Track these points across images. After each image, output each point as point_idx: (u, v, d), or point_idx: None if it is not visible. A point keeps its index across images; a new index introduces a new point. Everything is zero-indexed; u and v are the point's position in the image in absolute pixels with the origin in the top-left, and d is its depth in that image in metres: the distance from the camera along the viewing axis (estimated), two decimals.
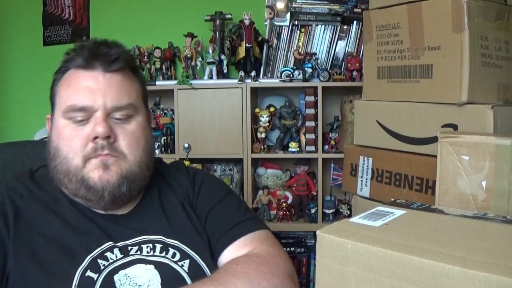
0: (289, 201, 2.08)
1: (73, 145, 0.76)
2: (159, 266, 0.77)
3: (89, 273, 0.73)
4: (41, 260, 0.73)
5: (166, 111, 2.15)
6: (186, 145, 1.91)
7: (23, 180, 0.83)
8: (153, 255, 0.78)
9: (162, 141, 2.06)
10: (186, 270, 0.78)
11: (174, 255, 0.80)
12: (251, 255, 0.79)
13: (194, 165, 2.04)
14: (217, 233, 0.85)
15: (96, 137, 0.76)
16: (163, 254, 0.79)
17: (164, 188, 0.90)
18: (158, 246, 0.80)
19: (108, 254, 0.76)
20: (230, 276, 0.72)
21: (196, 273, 0.78)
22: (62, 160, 0.78)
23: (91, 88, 0.77)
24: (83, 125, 0.77)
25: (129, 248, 0.79)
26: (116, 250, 0.77)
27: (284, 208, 2.03)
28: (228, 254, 0.82)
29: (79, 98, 0.76)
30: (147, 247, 0.79)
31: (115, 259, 0.76)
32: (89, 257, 0.75)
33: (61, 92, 0.80)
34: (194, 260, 0.80)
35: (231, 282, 0.70)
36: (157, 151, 2.05)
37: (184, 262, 0.79)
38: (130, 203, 0.85)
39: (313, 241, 2.14)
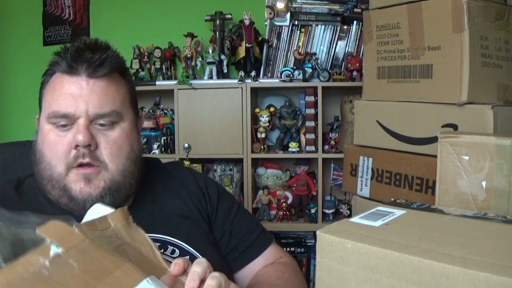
0: (289, 201, 2.08)
1: (57, 151, 0.76)
2: None
3: None
4: None
5: (166, 111, 2.15)
6: (186, 145, 1.91)
7: (7, 191, 0.82)
8: None
9: (162, 141, 2.06)
10: None
11: (173, 252, 0.80)
12: (286, 264, 0.93)
13: (194, 165, 2.05)
14: (240, 246, 0.92)
15: (77, 145, 0.75)
16: (161, 251, 0.79)
17: (159, 189, 0.90)
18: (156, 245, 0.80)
19: None
20: (283, 282, 0.85)
21: None
22: (46, 165, 0.77)
23: (73, 95, 0.75)
24: (66, 131, 0.76)
25: None
26: None
27: (284, 208, 2.03)
28: (259, 263, 0.92)
29: (61, 104, 0.75)
30: None
31: None
32: None
33: (47, 96, 0.79)
34: (194, 257, 0.80)
35: None
36: (157, 151, 2.05)
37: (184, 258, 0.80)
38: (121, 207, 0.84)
39: (313, 241, 2.14)
